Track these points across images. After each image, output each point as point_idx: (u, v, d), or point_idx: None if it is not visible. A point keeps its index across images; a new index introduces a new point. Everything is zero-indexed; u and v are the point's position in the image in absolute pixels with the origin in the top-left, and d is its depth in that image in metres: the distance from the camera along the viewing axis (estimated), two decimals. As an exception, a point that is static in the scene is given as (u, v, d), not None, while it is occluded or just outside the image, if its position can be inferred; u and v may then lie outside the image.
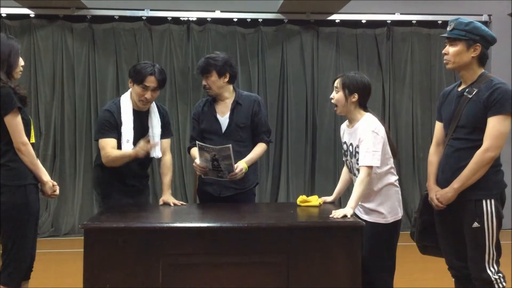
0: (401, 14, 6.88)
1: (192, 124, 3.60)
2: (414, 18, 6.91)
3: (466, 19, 2.86)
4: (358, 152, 2.98)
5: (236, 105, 3.43)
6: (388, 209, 3.00)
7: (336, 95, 3.05)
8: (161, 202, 3.41)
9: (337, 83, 3.06)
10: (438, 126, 3.04)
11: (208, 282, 2.58)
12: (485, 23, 6.83)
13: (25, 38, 6.51)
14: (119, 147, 3.25)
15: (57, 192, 3.15)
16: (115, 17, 6.59)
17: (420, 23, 6.94)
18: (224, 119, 3.42)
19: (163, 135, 3.45)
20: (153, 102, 3.44)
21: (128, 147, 3.23)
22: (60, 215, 6.52)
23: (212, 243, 2.60)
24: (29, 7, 6.41)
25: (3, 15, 6.45)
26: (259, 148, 3.47)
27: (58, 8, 6.44)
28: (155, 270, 2.54)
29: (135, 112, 3.34)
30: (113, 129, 3.27)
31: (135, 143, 3.24)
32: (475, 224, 2.73)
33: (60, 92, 6.56)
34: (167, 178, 3.49)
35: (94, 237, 2.56)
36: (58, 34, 6.55)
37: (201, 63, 3.41)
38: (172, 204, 3.32)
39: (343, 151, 3.20)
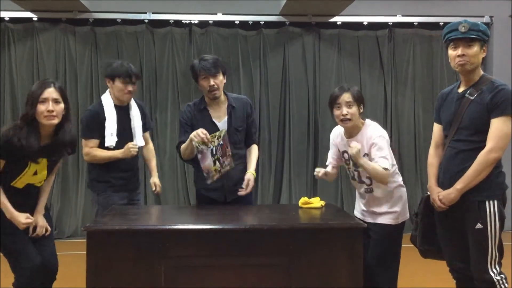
0: (402, 16, 6.89)
1: (184, 128, 3.40)
2: (415, 20, 6.91)
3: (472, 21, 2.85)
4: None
5: (232, 109, 3.42)
6: (400, 209, 3.06)
7: (351, 110, 3.01)
8: (151, 184, 3.89)
9: (347, 98, 3.02)
10: (437, 128, 3.04)
11: (210, 284, 2.59)
12: (486, 24, 6.83)
13: (27, 42, 6.54)
14: (102, 141, 3.54)
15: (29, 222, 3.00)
16: (117, 20, 6.60)
17: (421, 24, 6.94)
18: (221, 124, 3.38)
19: (144, 128, 3.77)
20: (132, 99, 3.73)
21: (112, 140, 3.52)
22: (63, 218, 6.54)
23: (214, 245, 2.61)
24: (32, 11, 6.44)
25: (6, 18, 6.48)
26: (255, 151, 3.53)
27: (60, 11, 6.47)
28: (157, 272, 2.55)
29: (117, 107, 3.62)
30: (97, 128, 3.54)
31: (118, 135, 3.54)
32: (478, 226, 2.74)
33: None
34: (153, 163, 3.95)
35: (96, 240, 2.57)
36: (61, 37, 6.57)
37: (209, 63, 3.30)
38: (156, 187, 3.86)
39: (343, 160, 3.20)
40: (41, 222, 3.04)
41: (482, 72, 2.87)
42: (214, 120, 3.38)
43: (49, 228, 3.08)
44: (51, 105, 2.84)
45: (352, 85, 3.12)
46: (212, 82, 3.30)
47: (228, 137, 3.27)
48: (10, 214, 2.87)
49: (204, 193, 3.46)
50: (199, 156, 3.16)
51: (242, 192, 3.33)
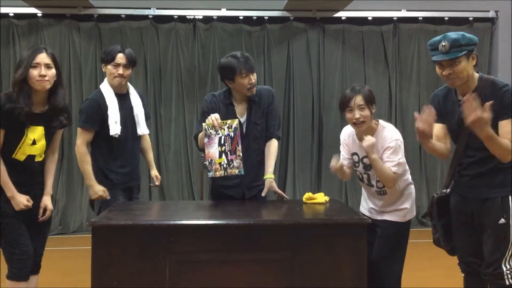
0: (407, 10, 6.86)
1: (205, 118, 3.19)
2: (420, 14, 6.88)
3: (454, 33, 2.73)
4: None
5: (252, 104, 3.30)
6: (409, 206, 3.04)
7: (363, 113, 2.94)
8: (154, 177, 3.81)
9: (359, 101, 2.93)
10: (437, 126, 2.94)
11: (214, 279, 2.59)
12: (491, 19, 6.81)
13: (32, 37, 6.56)
14: (107, 129, 3.41)
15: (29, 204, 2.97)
16: (121, 16, 6.62)
17: (426, 19, 6.91)
18: (242, 120, 3.28)
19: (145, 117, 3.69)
20: (131, 86, 3.64)
21: (116, 129, 3.41)
22: (68, 213, 6.57)
23: (218, 241, 2.61)
24: (37, 7, 6.45)
25: (11, 14, 6.50)
26: (274, 148, 3.35)
27: (65, 7, 6.48)
28: (162, 267, 2.55)
29: (117, 95, 3.51)
30: (98, 118, 3.41)
31: (121, 123, 3.45)
32: (502, 221, 2.70)
33: (67, 90, 6.57)
34: (150, 155, 3.86)
35: (101, 235, 2.58)
36: (65, 33, 6.59)
37: (251, 61, 3.22)
38: (157, 180, 3.81)
39: (352, 162, 3.15)
40: (50, 205, 3.08)
41: (477, 75, 2.79)
42: (238, 116, 3.27)
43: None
44: (43, 70, 2.88)
45: (363, 86, 3.04)
46: (253, 79, 3.22)
47: (247, 131, 3.21)
48: (11, 193, 2.89)
49: (222, 190, 3.34)
50: (206, 140, 3.08)
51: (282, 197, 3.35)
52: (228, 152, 3.08)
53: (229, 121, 3.10)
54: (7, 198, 2.91)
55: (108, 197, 3.40)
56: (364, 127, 2.98)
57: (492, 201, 2.75)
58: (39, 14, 6.55)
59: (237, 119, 3.14)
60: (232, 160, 3.08)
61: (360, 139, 3.02)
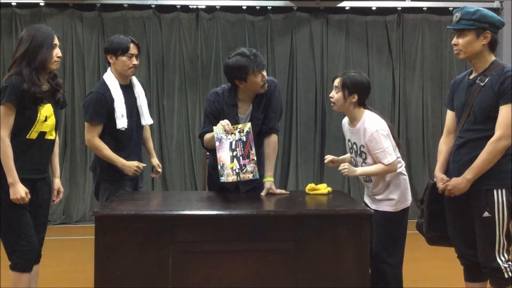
0: (411, 1, 6.81)
1: (209, 119, 3.21)
2: (424, 4, 6.83)
3: (471, 7, 2.80)
4: (363, 152, 3.03)
5: (255, 99, 3.20)
6: (398, 197, 3.02)
7: (336, 95, 3.05)
8: (155, 165, 3.77)
9: (337, 82, 3.04)
10: (450, 115, 3.01)
11: (217, 269, 2.60)
12: (496, 9, 6.75)
13: (35, 27, 6.54)
14: (113, 122, 3.37)
15: (25, 200, 2.92)
16: (124, 5, 6.59)
17: (431, 10, 6.86)
18: (245, 117, 3.21)
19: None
20: (133, 76, 3.58)
21: (123, 122, 3.38)
22: (71, 203, 6.59)
23: (221, 231, 2.62)
24: (39, -4, 6.44)
25: (13, 3, 6.47)
26: (274, 146, 3.23)
27: (68, -4, 6.47)
28: (165, 257, 2.56)
29: (122, 87, 3.46)
30: (105, 111, 3.36)
31: (127, 116, 3.41)
32: (486, 214, 2.73)
33: (70, 80, 6.59)
34: (150, 144, 3.82)
35: (104, 225, 2.58)
36: (68, 22, 6.57)
37: (260, 57, 3.09)
38: (158, 167, 3.78)
39: (348, 148, 3.21)
40: (61, 187, 3.28)
41: (493, 58, 2.83)
42: (239, 115, 3.21)
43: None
44: (59, 51, 3.06)
45: (354, 72, 3.07)
46: (265, 75, 3.11)
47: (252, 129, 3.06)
48: (12, 179, 2.86)
49: (218, 182, 3.13)
50: (217, 144, 3.02)
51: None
52: (240, 157, 3.02)
53: (240, 125, 3.05)
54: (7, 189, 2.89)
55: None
56: (335, 108, 3.10)
57: (476, 194, 2.77)
58: (42, 3, 6.53)
59: (249, 123, 3.07)
60: (245, 165, 3.02)
61: (350, 124, 3.12)
